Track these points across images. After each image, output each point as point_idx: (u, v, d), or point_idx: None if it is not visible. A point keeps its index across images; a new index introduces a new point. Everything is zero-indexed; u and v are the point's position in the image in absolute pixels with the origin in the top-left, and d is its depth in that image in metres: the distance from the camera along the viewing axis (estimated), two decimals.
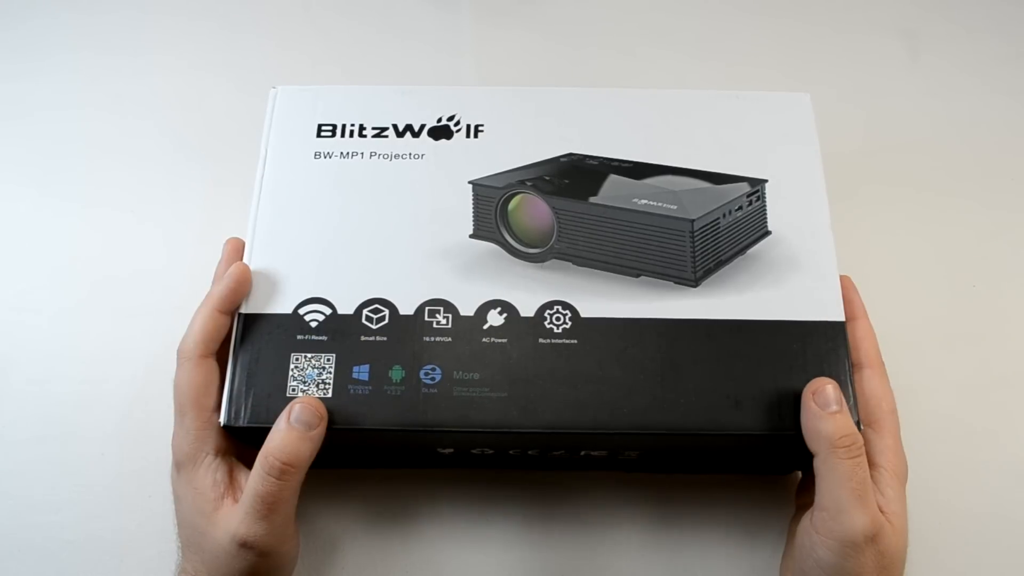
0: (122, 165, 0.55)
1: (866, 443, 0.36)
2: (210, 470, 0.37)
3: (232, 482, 0.37)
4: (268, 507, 0.35)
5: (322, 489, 0.44)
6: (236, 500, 0.36)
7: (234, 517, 0.35)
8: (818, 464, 0.35)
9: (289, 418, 0.35)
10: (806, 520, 0.36)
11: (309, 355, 0.38)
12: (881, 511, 0.35)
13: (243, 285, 0.39)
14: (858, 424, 0.36)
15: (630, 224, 0.40)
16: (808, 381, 0.36)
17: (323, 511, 0.44)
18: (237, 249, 0.41)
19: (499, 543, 0.43)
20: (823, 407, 0.35)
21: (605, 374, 0.37)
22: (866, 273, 0.42)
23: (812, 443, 0.35)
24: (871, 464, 0.36)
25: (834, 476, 0.34)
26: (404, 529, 0.44)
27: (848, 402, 0.37)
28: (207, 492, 0.36)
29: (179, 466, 0.37)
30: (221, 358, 0.38)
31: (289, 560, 0.38)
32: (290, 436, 0.35)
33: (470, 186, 0.41)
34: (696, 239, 0.39)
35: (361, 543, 0.43)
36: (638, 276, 0.40)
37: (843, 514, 0.33)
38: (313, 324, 0.38)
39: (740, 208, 0.41)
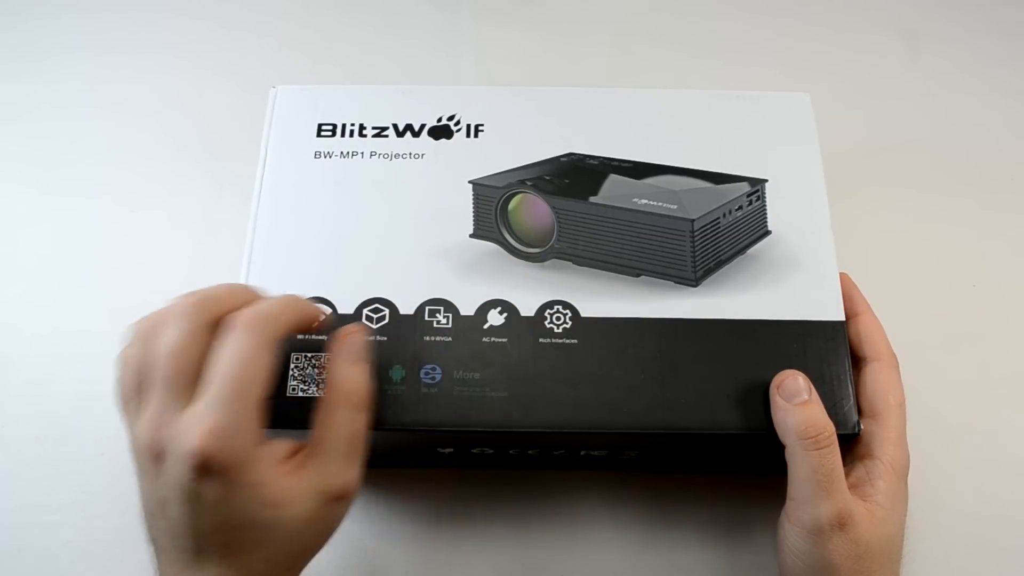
0: (123, 164, 0.55)
1: (867, 434, 0.37)
2: (270, 456, 0.31)
3: (282, 458, 0.32)
4: (359, 446, 0.33)
5: None
6: (294, 470, 0.31)
7: (317, 478, 0.31)
8: (787, 455, 0.35)
9: (349, 354, 0.34)
10: (783, 509, 0.36)
11: (309, 354, 0.37)
12: (864, 500, 0.35)
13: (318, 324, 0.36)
14: (857, 422, 0.37)
15: (630, 224, 0.40)
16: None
17: None
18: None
19: (499, 543, 0.43)
20: (788, 399, 0.35)
21: (605, 374, 0.37)
22: (866, 273, 0.42)
23: (780, 436, 0.35)
24: (869, 455, 0.36)
25: (801, 468, 0.34)
26: (404, 529, 0.44)
27: (847, 400, 0.37)
28: (273, 480, 0.30)
29: (212, 466, 0.29)
30: None
31: None
32: (359, 370, 0.34)
33: (470, 186, 0.41)
34: (696, 239, 0.39)
35: (360, 542, 0.43)
36: (638, 276, 0.40)
37: (808, 504, 0.34)
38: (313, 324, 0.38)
39: (740, 208, 0.41)
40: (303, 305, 0.35)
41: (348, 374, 0.34)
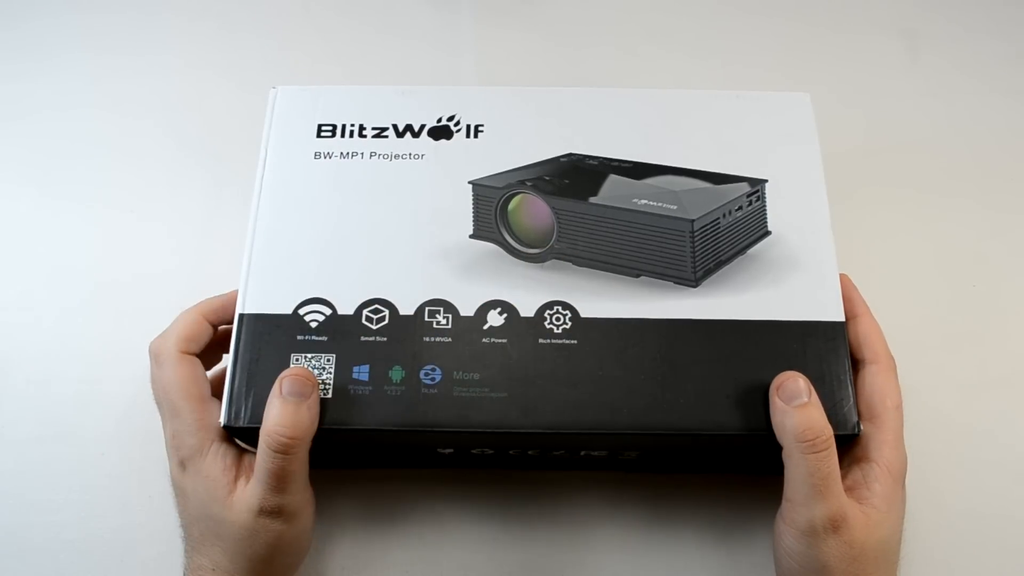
0: (122, 165, 0.55)
1: (864, 437, 0.37)
2: (218, 456, 0.37)
3: (241, 463, 0.37)
4: (280, 481, 0.35)
5: (322, 489, 0.44)
6: (248, 480, 0.36)
7: (252, 493, 0.35)
8: (784, 457, 0.35)
9: (281, 392, 0.35)
10: (779, 510, 0.36)
11: (309, 355, 0.38)
12: (860, 502, 0.35)
13: (235, 301, 0.39)
14: (857, 423, 0.36)
15: (630, 224, 0.40)
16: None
17: (323, 511, 0.44)
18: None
19: (498, 543, 0.43)
20: (788, 401, 0.35)
21: (605, 374, 0.37)
22: (866, 273, 0.42)
23: (778, 437, 0.35)
24: (865, 458, 0.36)
25: (797, 469, 0.34)
26: (404, 529, 0.44)
27: (847, 401, 0.37)
28: (219, 478, 0.36)
29: (184, 463, 0.37)
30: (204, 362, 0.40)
31: (310, 524, 0.38)
32: (286, 410, 0.35)
33: (470, 186, 0.41)
34: (696, 239, 0.39)
35: (361, 543, 0.43)
36: (638, 276, 0.40)
37: (803, 505, 0.34)
38: (313, 324, 0.38)
39: (740, 208, 0.41)
40: (192, 310, 0.40)
41: (271, 414, 0.35)
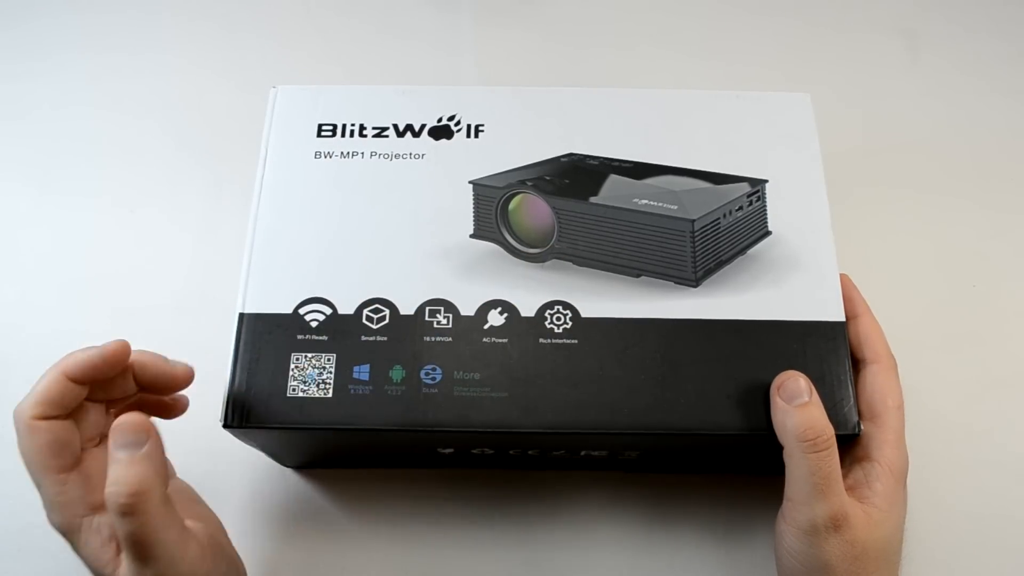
0: (123, 165, 0.55)
1: (865, 437, 0.37)
2: (92, 531, 0.32)
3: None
4: (142, 548, 0.31)
5: (322, 489, 0.44)
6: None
7: (126, 570, 0.31)
8: (785, 456, 0.35)
9: (111, 449, 0.31)
10: (780, 510, 0.36)
11: (309, 355, 0.37)
12: (861, 502, 0.35)
13: (109, 360, 0.34)
14: (858, 423, 0.37)
15: (630, 224, 0.40)
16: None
17: (323, 511, 0.44)
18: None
19: (498, 543, 0.43)
20: (788, 400, 0.35)
21: (605, 374, 0.37)
22: (866, 273, 0.42)
23: (779, 437, 0.35)
24: (867, 458, 0.36)
25: (798, 469, 0.34)
26: (404, 529, 0.44)
27: (847, 401, 0.37)
28: (99, 555, 0.32)
29: (65, 535, 0.33)
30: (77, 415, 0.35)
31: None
32: (118, 468, 0.31)
33: (470, 186, 0.41)
34: (696, 239, 0.39)
35: (361, 543, 0.43)
36: (638, 276, 0.40)
37: (805, 505, 0.34)
38: (313, 324, 0.38)
39: (740, 208, 0.41)
40: (52, 370, 0.34)
41: (110, 475, 0.31)
